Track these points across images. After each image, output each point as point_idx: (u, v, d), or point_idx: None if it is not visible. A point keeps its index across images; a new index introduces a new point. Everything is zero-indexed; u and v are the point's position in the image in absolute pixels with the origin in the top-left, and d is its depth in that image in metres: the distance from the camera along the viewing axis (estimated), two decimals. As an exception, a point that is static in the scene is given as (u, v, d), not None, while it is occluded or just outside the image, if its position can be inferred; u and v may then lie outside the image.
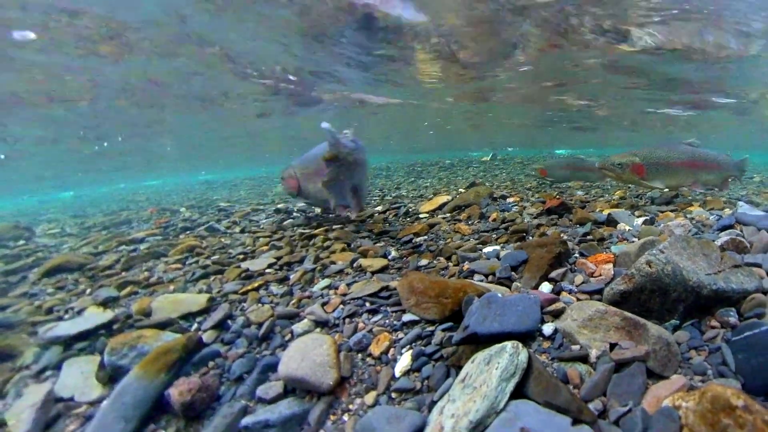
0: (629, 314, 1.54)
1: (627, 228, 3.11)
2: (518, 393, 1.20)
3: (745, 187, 5.77)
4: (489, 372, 1.21)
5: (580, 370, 1.34)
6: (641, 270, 1.66)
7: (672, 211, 3.68)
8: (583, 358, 1.39)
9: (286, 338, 1.79)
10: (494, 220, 3.45)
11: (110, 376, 1.73)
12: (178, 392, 1.45)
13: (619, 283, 1.69)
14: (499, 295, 1.74)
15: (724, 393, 1.07)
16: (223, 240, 3.76)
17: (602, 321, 1.53)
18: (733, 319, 1.62)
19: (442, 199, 4.20)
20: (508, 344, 1.27)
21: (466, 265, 2.24)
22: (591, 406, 1.21)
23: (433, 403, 1.30)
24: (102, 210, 8.66)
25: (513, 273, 2.09)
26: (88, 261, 3.30)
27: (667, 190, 4.35)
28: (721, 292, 1.68)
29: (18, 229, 5.04)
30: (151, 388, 1.51)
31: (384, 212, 4.20)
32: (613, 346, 1.44)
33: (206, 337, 1.89)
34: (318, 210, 4.51)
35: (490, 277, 2.08)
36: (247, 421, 1.36)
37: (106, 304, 2.43)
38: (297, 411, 1.37)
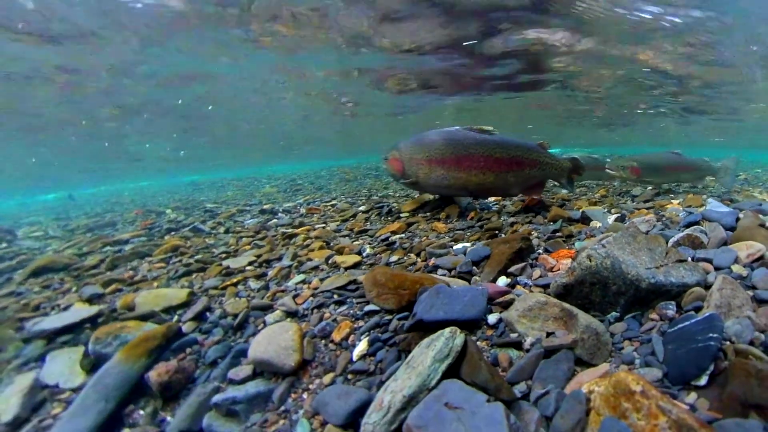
0: (567, 305, 1.73)
1: (598, 225, 3.34)
2: (455, 374, 1.39)
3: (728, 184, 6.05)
4: (426, 354, 1.43)
5: (512, 355, 1.55)
6: (582, 263, 1.87)
7: (649, 208, 3.91)
8: (517, 345, 1.59)
9: (259, 327, 2.02)
10: (472, 218, 3.68)
11: (94, 363, 1.95)
12: (156, 373, 1.68)
13: (563, 276, 1.90)
14: (454, 286, 1.97)
15: (626, 379, 1.21)
16: (207, 240, 3.99)
17: (541, 311, 1.73)
18: (671, 312, 1.75)
19: (425, 198, 4.43)
20: (447, 330, 1.49)
21: (432, 261, 2.47)
22: (517, 388, 1.39)
23: (382, 383, 1.51)
24: (86, 212, 8.88)
25: (474, 267, 2.31)
26: (73, 261, 3.52)
27: (651, 188, 5.40)
28: (659, 286, 1.81)
29: None
30: (131, 371, 1.74)
31: (367, 212, 4.43)
32: (550, 334, 1.62)
33: (186, 327, 2.12)
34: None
35: (453, 272, 2.31)
36: (217, 398, 1.59)
37: (91, 300, 2.66)
38: (262, 390, 1.60)
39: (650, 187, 5.49)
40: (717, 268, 2.14)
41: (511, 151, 3.53)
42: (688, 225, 3.09)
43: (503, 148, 3.52)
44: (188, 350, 1.92)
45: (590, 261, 1.86)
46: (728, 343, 1.46)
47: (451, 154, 3.45)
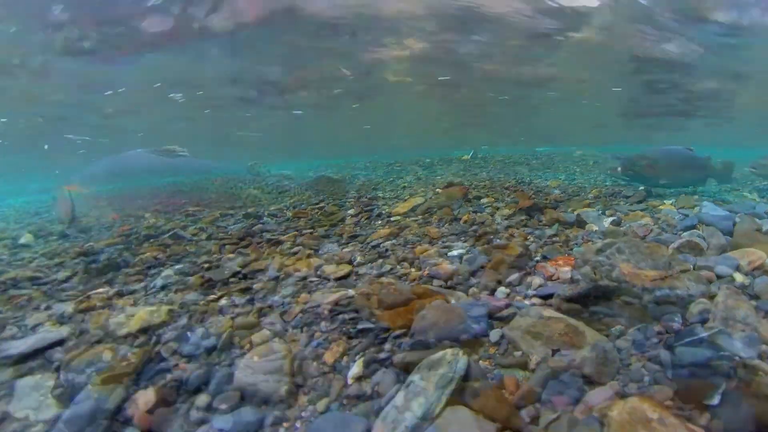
0: (572, 320, 1.69)
1: (594, 228, 3.33)
2: (457, 399, 1.33)
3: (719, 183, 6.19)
4: (428, 379, 1.37)
5: (518, 377, 1.49)
6: (586, 276, 1.85)
7: (642, 210, 3.94)
8: (523, 365, 1.53)
9: (245, 348, 1.93)
10: (465, 222, 3.64)
11: (68, 392, 1.83)
12: (134, 405, 1.58)
13: (566, 290, 1.88)
14: (453, 301, 1.91)
15: (642, 405, 1.18)
16: (188, 248, 3.85)
17: (546, 327, 1.68)
18: (677, 324, 1.72)
19: (416, 201, 4.38)
20: (448, 352, 1.43)
21: (426, 270, 2.42)
22: (524, 412, 1.33)
23: (381, 408, 1.44)
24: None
25: (471, 278, 2.26)
26: (43, 275, 3.35)
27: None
28: (665, 298, 1.82)
29: (-35, 240, 5.00)
30: (108, 402, 1.63)
31: (356, 215, 4.36)
32: (555, 352, 1.57)
33: (165, 350, 2.00)
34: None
35: (449, 282, 2.25)
36: (201, 431, 1.49)
37: (62, 320, 2.51)
38: (251, 419, 1.51)
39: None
40: (719, 277, 2.15)
41: (693, 160, 5.51)
42: (685, 229, 3.11)
43: (691, 158, 5.59)
44: (168, 377, 1.82)
45: (595, 274, 1.84)
46: (737, 358, 1.44)
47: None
